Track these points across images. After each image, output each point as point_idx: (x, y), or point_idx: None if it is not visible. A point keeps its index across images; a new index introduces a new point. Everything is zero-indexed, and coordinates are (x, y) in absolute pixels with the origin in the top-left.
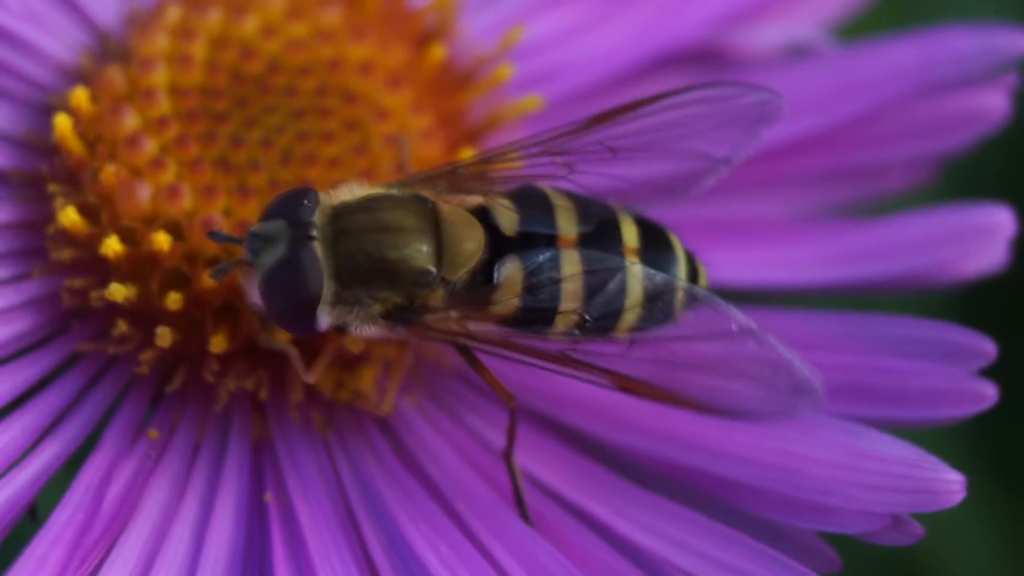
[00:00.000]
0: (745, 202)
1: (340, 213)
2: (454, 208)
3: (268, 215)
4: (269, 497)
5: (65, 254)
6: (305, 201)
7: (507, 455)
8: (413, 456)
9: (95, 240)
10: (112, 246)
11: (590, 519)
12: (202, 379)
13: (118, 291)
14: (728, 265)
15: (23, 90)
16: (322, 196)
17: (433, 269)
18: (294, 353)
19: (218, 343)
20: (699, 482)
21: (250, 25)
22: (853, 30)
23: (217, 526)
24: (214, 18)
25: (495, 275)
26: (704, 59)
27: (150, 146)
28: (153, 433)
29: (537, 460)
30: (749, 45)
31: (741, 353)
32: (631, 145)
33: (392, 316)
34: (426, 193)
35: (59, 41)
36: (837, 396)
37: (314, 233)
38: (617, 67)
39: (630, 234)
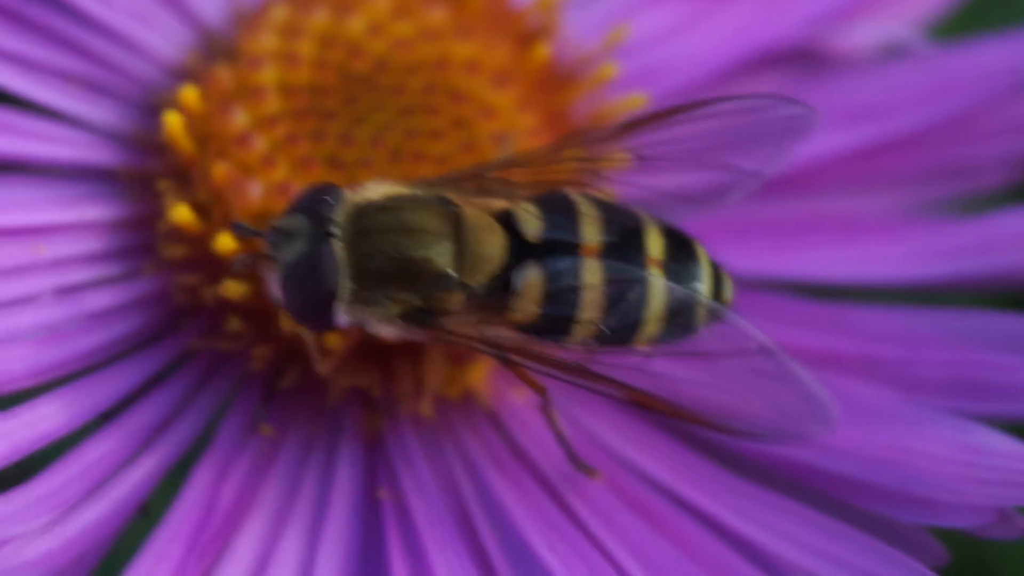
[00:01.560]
0: (843, 200)
1: (362, 212)
2: (477, 212)
3: (291, 210)
4: (384, 494)
5: (176, 251)
6: (328, 198)
7: (545, 407)
8: (526, 452)
9: (206, 237)
10: (224, 243)
11: (702, 514)
12: (314, 376)
13: (232, 288)
14: (826, 262)
15: (130, 88)
16: (346, 193)
17: (452, 273)
18: (310, 339)
19: (332, 340)
20: (808, 477)
21: (357, 24)
22: (945, 30)
23: (332, 522)
24: (321, 17)
25: (515, 281)
26: (799, 58)
27: (260, 144)
28: (266, 429)
29: (648, 456)
30: (844, 44)
31: (758, 372)
32: (660, 154)
33: (409, 317)
34: (451, 195)
35: (165, 39)
36: (943, 391)
37: (335, 231)
38: (717, 65)
39: (655, 245)
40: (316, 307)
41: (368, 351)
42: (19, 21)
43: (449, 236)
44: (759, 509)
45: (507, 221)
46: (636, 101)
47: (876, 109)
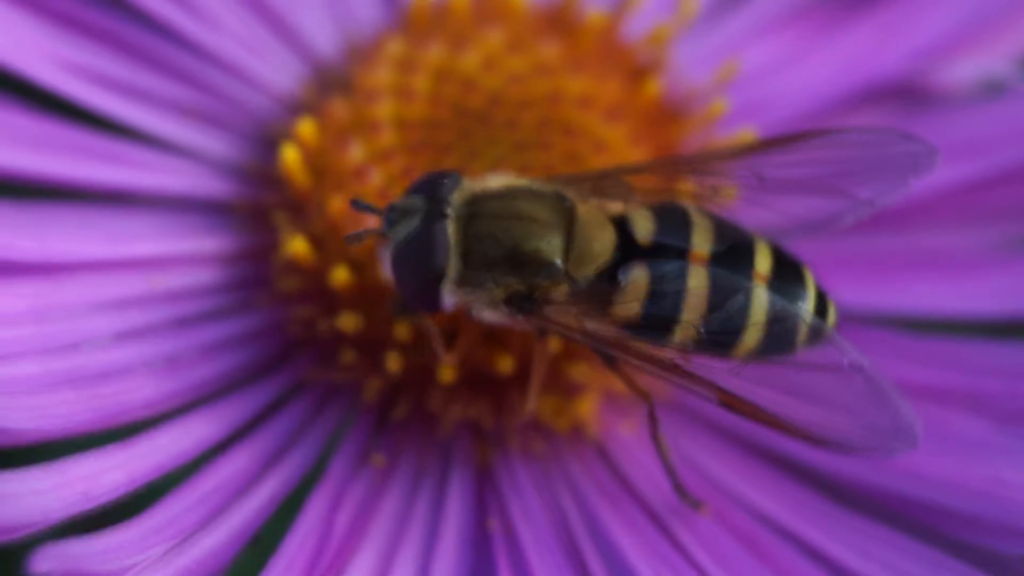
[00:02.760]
0: (943, 235)
1: (478, 198)
2: (591, 209)
3: (409, 191)
4: (493, 524)
5: (291, 283)
6: (446, 181)
7: (654, 435)
8: (632, 483)
9: (322, 270)
10: (340, 276)
11: (806, 545)
12: (425, 407)
13: (348, 321)
14: (929, 296)
15: (244, 120)
16: (466, 181)
17: (559, 262)
18: (434, 329)
19: (446, 373)
20: (911, 509)
21: (471, 59)
22: None
23: (443, 551)
24: (436, 52)
25: (621, 277)
26: (902, 94)
27: (377, 177)
28: (378, 460)
29: (753, 486)
30: (945, 81)
31: (849, 388)
32: (779, 176)
33: (513, 303)
34: (568, 192)
35: (278, 71)
36: None
37: (449, 212)
38: (823, 99)
39: (763, 261)
40: (424, 284)
41: (479, 383)
42: (132, 52)
43: (560, 228)
44: (861, 539)
45: (621, 223)
46: (745, 136)
47: (975, 145)
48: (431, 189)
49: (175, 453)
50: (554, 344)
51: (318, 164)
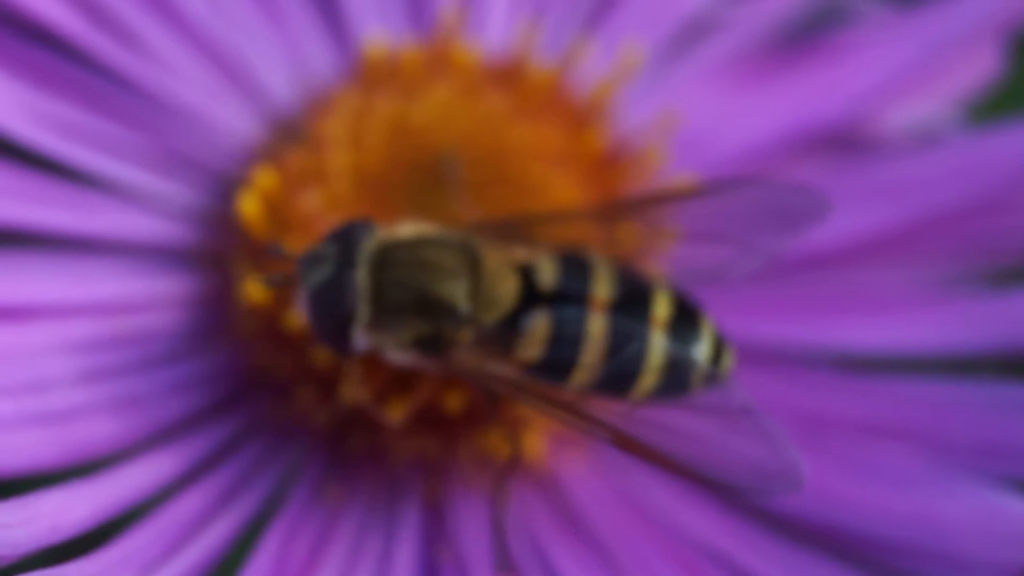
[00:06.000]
0: (876, 273)
1: (389, 246)
2: (496, 256)
3: (324, 239)
4: (445, 557)
5: (250, 326)
6: (359, 230)
7: (497, 487)
8: (579, 516)
9: (278, 313)
10: (294, 320)
11: (743, 572)
12: (379, 442)
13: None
14: (860, 332)
15: (204, 168)
16: (379, 230)
17: (464, 307)
18: (354, 367)
19: (394, 410)
20: (846, 538)
21: (423, 110)
22: (986, 108)
23: None
24: (388, 104)
25: (524, 323)
26: (840, 142)
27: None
28: (332, 493)
29: (690, 514)
30: (883, 127)
31: (737, 430)
32: (678, 227)
33: (421, 346)
34: (476, 240)
35: (238, 120)
36: (971, 455)
37: (360, 260)
38: (764, 145)
39: (661, 307)
40: (336, 327)
41: (430, 419)
42: (95, 101)
43: (465, 275)
44: (803, 569)
45: (526, 270)
46: (684, 185)
47: (912, 188)
48: (344, 238)
49: (138, 488)
50: None
51: (275, 211)
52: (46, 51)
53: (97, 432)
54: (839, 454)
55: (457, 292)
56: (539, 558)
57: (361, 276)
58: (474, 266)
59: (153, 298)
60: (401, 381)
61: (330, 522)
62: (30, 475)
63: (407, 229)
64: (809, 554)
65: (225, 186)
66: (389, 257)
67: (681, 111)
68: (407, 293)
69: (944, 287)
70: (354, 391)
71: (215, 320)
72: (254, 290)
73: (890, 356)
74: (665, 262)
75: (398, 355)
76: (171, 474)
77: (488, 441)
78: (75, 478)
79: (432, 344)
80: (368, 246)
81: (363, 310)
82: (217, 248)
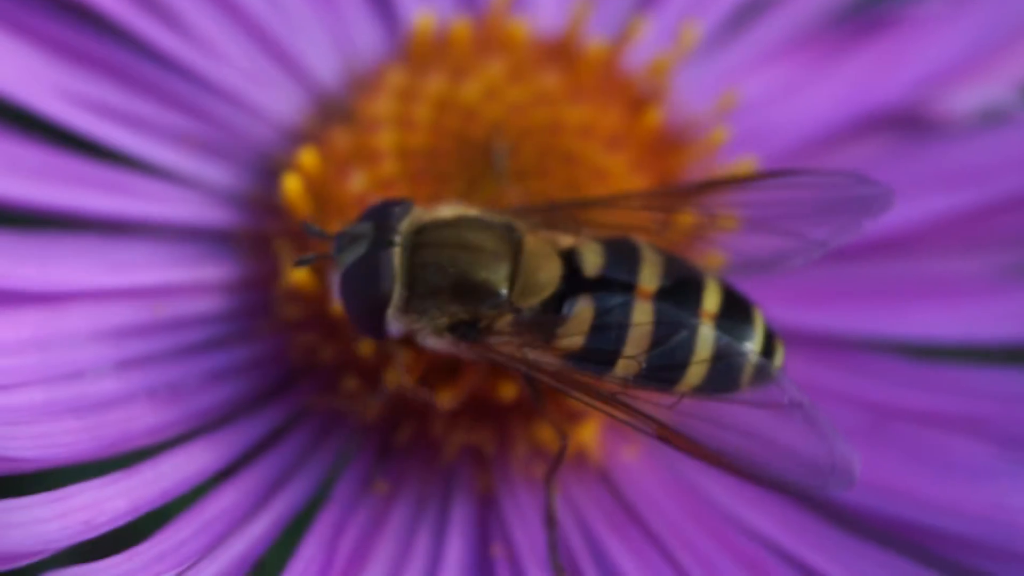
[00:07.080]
0: (944, 261)
1: (427, 226)
2: (539, 240)
3: (360, 218)
4: (496, 550)
5: (293, 312)
6: (396, 209)
7: (548, 479)
8: (633, 505)
9: (323, 298)
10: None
11: (805, 567)
12: (429, 433)
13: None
14: (929, 321)
15: (245, 149)
16: (417, 209)
17: (503, 292)
18: (399, 354)
19: (445, 398)
20: (912, 533)
21: (472, 89)
22: None
23: None
24: (437, 82)
25: (566, 309)
26: (904, 123)
27: None
28: (381, 486)
29: (751, 508)
30: (947, 109)
31: (788, 426)
32: (731, 215)
33: (457, 331)
34: (518, 224)
35: (280, 101)
36: None
37: (396, 239)
38: (824, 127)
39: (711, 299)
40: (369, 310)
41: (482, 409)
42: (133, 81)
43: (506, 258)
44: (865, 564)
45: (570, 256)
46: (746, 165)
47: (977, 173)
48: (380, 216)
49: (178, 481)
50: None
51: (320, 193)
52: (83, 30)
53: (134, 422)
54: (905, 447)
55: (497, 276)
56: (594, 552)
57: (396, 256)
58: (516, 250)
59: (192, 283)
60: (448, 369)
61: (378, 516)
62: (63, 467)
63: (447, 210)
64: (877, 552)
65: (269, 168)
66: (427, 237)
67: (740, 93)
68: (444, 275)
69: (1011, 275)
70: (399, 377)
71: (257, 306)
72: (298, 275)
73: (959, 346)
74: (721, 250)
75: (433, 340)
76: (212, 466)
77: (544, 432)
78: (112, 471)
79: (469, 330)
80: (405, 226)
81: (397, 291)
82: (260, 232)
